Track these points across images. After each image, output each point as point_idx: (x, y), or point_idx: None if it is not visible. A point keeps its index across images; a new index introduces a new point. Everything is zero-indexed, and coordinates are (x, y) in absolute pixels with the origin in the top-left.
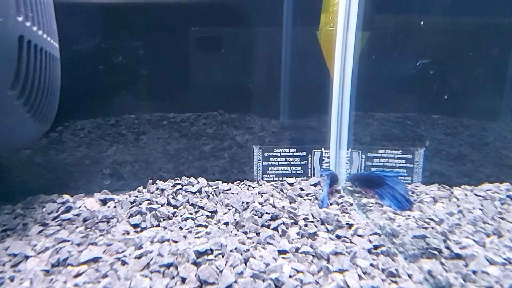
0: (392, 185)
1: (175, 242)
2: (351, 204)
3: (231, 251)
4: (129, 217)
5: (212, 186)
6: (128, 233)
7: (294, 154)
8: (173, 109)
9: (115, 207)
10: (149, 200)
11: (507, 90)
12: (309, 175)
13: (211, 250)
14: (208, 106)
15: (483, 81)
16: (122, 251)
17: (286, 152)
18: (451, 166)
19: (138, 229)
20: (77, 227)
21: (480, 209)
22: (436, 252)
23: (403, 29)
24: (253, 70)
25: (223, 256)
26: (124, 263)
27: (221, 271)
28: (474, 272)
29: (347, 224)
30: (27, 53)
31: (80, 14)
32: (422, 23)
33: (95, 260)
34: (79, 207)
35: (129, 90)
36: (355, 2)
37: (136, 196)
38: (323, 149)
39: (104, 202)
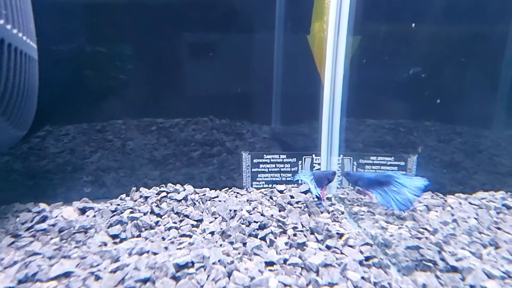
0: (402, 183)
1: (155, 254)
2: (342, 213)
3: (213, 263)
4: (108, 227)
5: (198, 193)
6: (105, 245)
7: (284, 160)
8: (162, 115)
9: (94, 216)
10: (131, 208)
11: (500, 97)
12: (300, 182)
13: (192, 263)
14: (198, 111)
15: (475, 88)
16: (97, 265)
17: (276, 158)
18: (444, 173)
19: (117, 240)
20: (51, 238)
21: (475, 218)
22: (431, 264)
23: (395, 35)
24: (245, 75)
25: (204, 269)
26: (97, 278)
27: (202, 286)
28: (472, 287)
29: (337, 233)
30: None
31: (65, 14)
32: (413, 25)
33: (67, 275)
34: (56, 217)
35: (118, 95)
36: (346, 7)
37: (118, 205)
38: (314, 155)
39: (83, 211)
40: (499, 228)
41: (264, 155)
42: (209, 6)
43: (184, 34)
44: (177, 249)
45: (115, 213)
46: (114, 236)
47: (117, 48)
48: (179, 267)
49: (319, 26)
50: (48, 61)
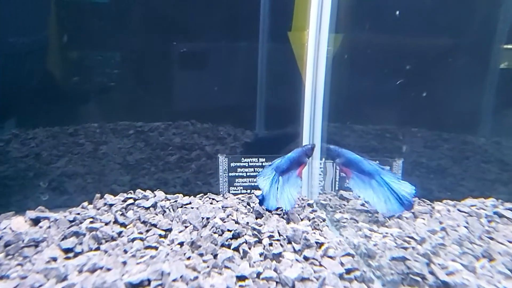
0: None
1: (109, 270)
2: (324, 220)
3: (174, 280)
4: (62, 240)
5: (170, 200)
6: (54, 260)
7: (264, 164)
8: (142, 118)
9: (49, 227)
10: (92, 218)
11: (485, 103)
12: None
13: (149, 281)
14: (180, 115)
15: (462, 94)
16: (39, 286)
17: (254, 161)
18: (431, 179)
19: (71, 255)
20: None
21: (465, 226)
22: (419, 279)
23: (381, 43)
24: (229, 79)
25: None
26: None
27: None
28: None
29: (316, 242)
30: None
31: (35, 11)
32: (397, 13)
33: None
34: (4, 229)
35: (94, 97)
36: (327, 3)
37: (78, 214)
38: None
39: (36, 221)
40: (491, 238)
41: (242, 158)
42: (195, 11)
43: (167, 35)
44: (137, 263)
45: (73, 223)
46: (66, 250)
47: (96, 48)
48: (132, 286)
49: (301, 23)
50: (17, 61)
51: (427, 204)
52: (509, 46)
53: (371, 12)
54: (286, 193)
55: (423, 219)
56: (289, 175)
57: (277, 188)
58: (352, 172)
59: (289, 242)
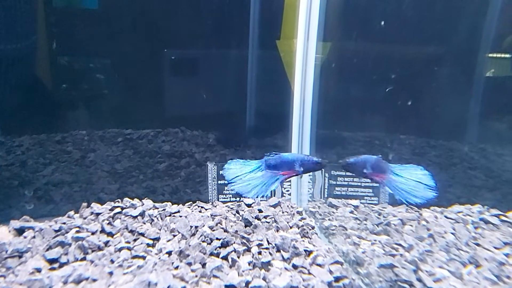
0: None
1: (95, 281)
2: (313, 227)
3: None
4: (46, 250)
5: (158, 208)
6: (39, 271)
7: None
8: (131, 125)
9: (34, 237)
10: (78, 227)
11: (471, 111)
12: (268, 194)
13: None
14: (169, 122)
15: (449, 101)
16: None
17: None
18: None
19: (56, 265)
20: None
21: (452, 233)
22: (406, 286)
23: (369, 51)
24: (219, 86)
25: None
26: None
27: None
28: None
29: (305, 250)
30: None
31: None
32: (382, 23)
33: None
34: None
35: (83, 104)
36: (315, 12)
37: (64, 223)
38: None
39: (20, 231)
40: (478, 244)
41: None
42: (182, 19)
43: (157, 43)
44: (124, 274)
45: (58, 233)
46: (51, 261)
47: (85, 54)
48: None
49: (289, 31)
50: (3, 67)
51: (415, 211)
52: (493, 55)
53: (359, 20)
54: (256, 183)
55: (411, 226)
56: (273, 174)
57: (252, 175)
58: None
59: (278, 250)
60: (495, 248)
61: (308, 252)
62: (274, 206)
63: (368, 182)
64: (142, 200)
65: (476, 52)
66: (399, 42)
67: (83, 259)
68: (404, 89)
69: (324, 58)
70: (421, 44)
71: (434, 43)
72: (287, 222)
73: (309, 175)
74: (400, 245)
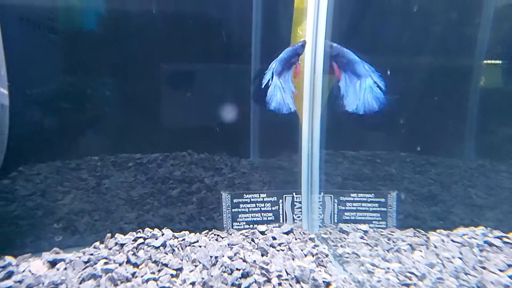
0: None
1: None
2: (327, 255)
3: None
4: (80, 283)
5: (178, 238)
6: None
7: (265, 199)
8: (140, 150)
9: (65, 269)
10: (106, 258)
11: (469, 127)
12: (281, 221)
13: None
14: (177, 146)
15: (447, 118)
16: None
17: (256, 197)
18: (423, 207)
19: None
20: None
21: (459, 258)
22: None
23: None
24: (222, 108)
25: None
26: None
27: None
28: None
29: (324, 281)
30: None
31: (36, 50)
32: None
33: None
34: (23, 271)
35: (94, 130)
36: (321, 45)
37: (91, 254)
38: (294, 193)
39: (53, 263)
40: (484, 268)
41: (244, 195)
42: (187, 39)
43: (162, 67)
44: None
45: (87, 264)
46: None
47: (92, 83)
48: None
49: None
50: (18, 99)
51: (422, 235)
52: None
53: (362, 42)
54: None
55: (421, 251)
56: (285, 77)
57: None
58: (346, 73)
59: (298, 282)
60: (500, 270)
61: (327, 284)
62: (287, 233)
63: (376, 207)
64: (162, 230)
65: (471, 69)
66: (396, 58)
67: None
68: (399, 105)
69: (330, 87)
70: (416, 56)
71: (436, 60)
72: (302, 250)
73: (319, 201)
74: (413, 273)
